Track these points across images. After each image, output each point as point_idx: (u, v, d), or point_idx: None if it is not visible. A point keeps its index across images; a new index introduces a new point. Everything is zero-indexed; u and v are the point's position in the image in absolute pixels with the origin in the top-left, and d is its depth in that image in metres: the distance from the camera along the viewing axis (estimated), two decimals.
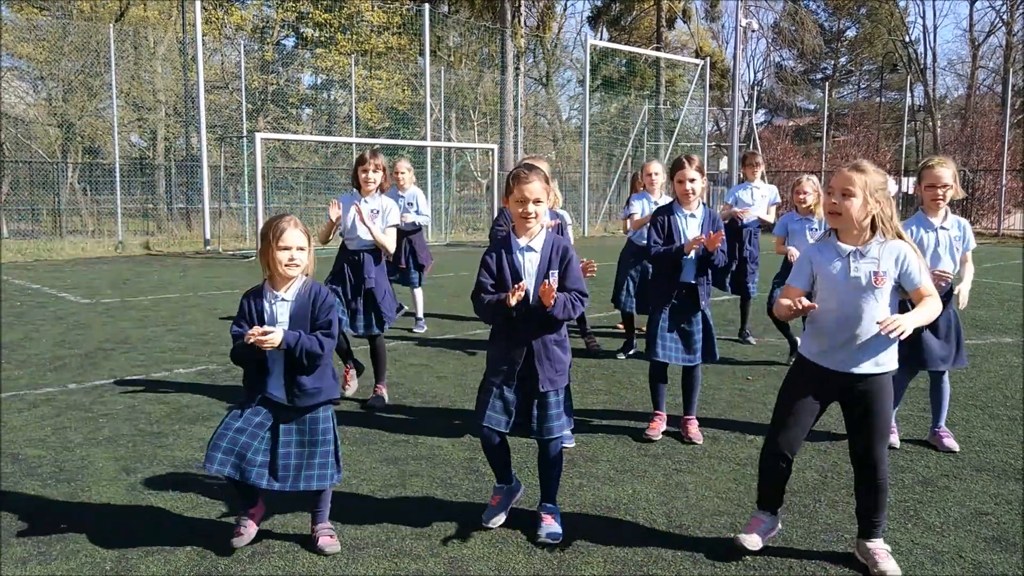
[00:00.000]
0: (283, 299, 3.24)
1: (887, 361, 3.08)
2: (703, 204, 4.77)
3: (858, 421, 3.12)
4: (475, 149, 22.43)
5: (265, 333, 3.09)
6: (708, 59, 25.10)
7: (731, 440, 4.73)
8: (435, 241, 18.83)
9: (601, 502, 3.79)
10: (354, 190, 5.35)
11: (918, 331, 4.30)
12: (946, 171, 4.18)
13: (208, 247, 16.89)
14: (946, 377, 4.60)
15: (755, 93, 35.53)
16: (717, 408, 5.38)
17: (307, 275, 3.30)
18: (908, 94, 32.16)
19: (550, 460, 3.47)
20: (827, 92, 33.10)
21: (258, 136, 14.99)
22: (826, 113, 30.61)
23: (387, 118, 24.42)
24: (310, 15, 25.43)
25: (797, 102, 43.53)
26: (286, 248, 3.17)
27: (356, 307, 5.26)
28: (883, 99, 39.61)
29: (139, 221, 19.59)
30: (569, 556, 3.26)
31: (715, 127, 37.68)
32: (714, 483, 4.05)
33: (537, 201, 3.29)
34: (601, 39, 35.03)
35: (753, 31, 26.72)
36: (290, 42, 27.58)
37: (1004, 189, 23.44)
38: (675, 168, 4.66)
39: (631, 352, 6.99)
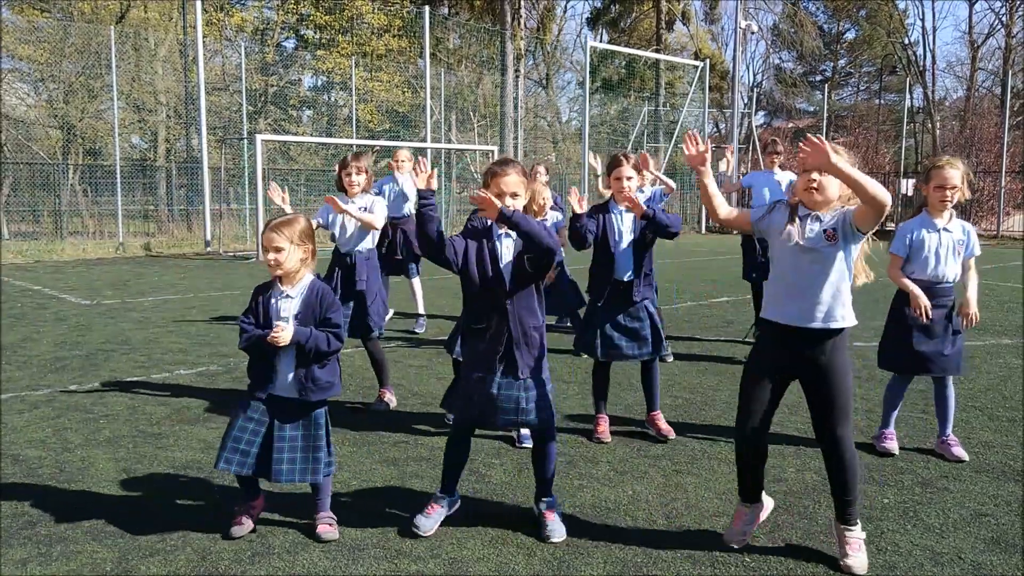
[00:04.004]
0: (288, 295, 3.37)
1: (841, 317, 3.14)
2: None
3: (817, 396, 3.17)
4: (475, 151, 22.44)
5: (276, 331, 3.23)
6: (707, 61, 25.13)
7: (731, 441, 4.73)
8: None
9: (601, 503, 3.80)
10: (341, 193, 5.41)
11: (910, 335, 4.35)
12: (956, 172, 4.15)
13: (208, 248, 16.91)
14: (950, 383, 4.52)
15: (754, 95, 35.56)
16: (716, 409, 5.39)
17: (312, 273, 3.43)
18: (907, 96, 32.18)
19: (545, 451, 3.48)
20: (826, 94, 33.14)
21: (258, 138, 15.01)
22: (825, 115, 30.64)
23: (387, 120, 24.45)
24: (311, 17, 25.47)
25: (796, 104, 43.57)
26: (266, 250, 3.34)
27: (346, 310, 5.24)
28: (882, 101, 39.65)
29: (140, 222, 19.60)
30: (569, 556, 3.27)
31: (715, 129, 37.71)
32: (714, 484, 4.06)
33: (514, 195, 3.32)
34: (600, 41, 35.05)
35: (752, 33, 26.74)
36: (290, 44, 27.63)
37: (1003, 191, 23.46)
38: (612, 165, 4.68)
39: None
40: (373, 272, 5.36)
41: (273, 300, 3.36)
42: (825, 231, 3.09)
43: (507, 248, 3.35)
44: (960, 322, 4.36)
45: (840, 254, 3.10)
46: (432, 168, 3.37)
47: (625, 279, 4.66)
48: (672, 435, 4.75)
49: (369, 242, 5.41)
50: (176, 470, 4.18)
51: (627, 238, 4.66)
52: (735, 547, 3.31)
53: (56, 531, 3.43)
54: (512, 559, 3.25)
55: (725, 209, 3.29)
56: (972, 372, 6.44)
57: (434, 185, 3.34)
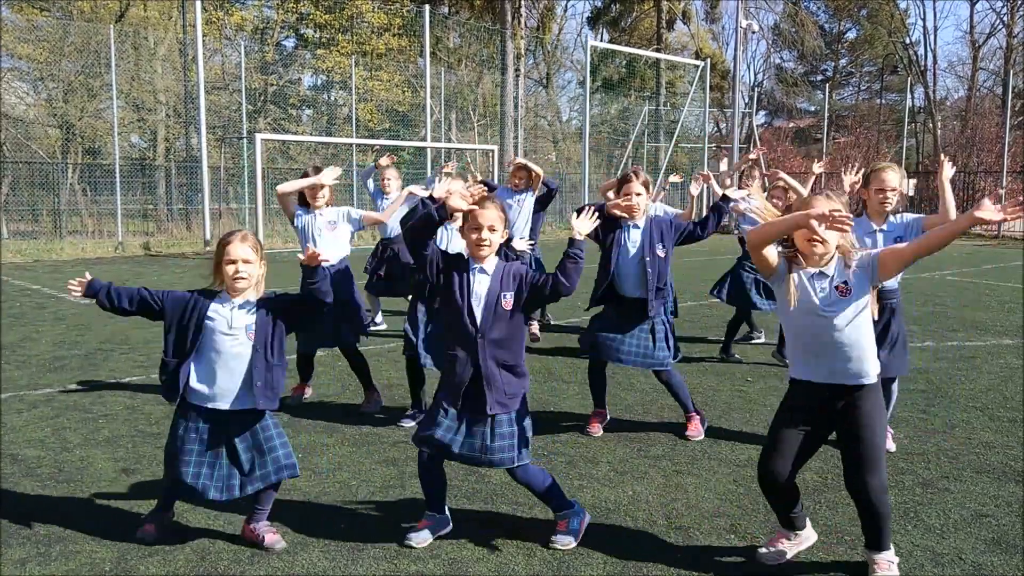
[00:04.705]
0: (241, 307, 3.23)
1: (865, 371, 3.02)
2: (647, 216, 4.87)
3: (848, 447, 3.06)
4: (475, 150, 22.43)
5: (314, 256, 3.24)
6: (708, 60, 25.11)
7: (730, 442, 4.73)
8: None
9: (601, 503, 3.79)
10: (303, 207, 5.42)
11: None
12: (895, 176, 4.28)
13: (208, 248, 16.89)
14: (895, 383, 4.55)
15: (755, 94, 35.56)
16: (716, 410, 5.38)
17: (258, 292, 3.29)
18: (908, 96, 32.17)
19: (525, 479, 3.39)
20: (827, 94, 33.11)
21: (258, 137, 14.99)
22: (826, 115, 30.62)
23: (387, 119, 24.44)
24: (311, 16, 25.47)
25: (797, 104, 43.54)
26: (232, 261, 3.18)
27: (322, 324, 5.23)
28: (883, 101, 39.64)
29: (139, 222, 19.58)
30: (569, 557, 3.26)
31: (715, 128, 37.69)
32: (714, 484, 4.05)
33: (492, 228, 3.28)
34: (601, 40, 35.04)
35: (753, 32, 26.72)
36: (290, 43, 27.62)
37: (1004, 191, 23.45)
38: (623, 182, 4.77)
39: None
40: (347, 282, 5.34)
41: (221, 306, 3.21)
42: (836, 287, 2.97)
43: (480, 283, 3.28)
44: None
45: (857, 305, 2.97)
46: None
47: (629, 296, 4.70)
48: (700, 436, 4.78)
49: (343, 251, 5.42)
50: None
51: (634, 254, 4.69)
52: (768, 564, 3.22)
53: (55, 531, 3.43)
54: (512, 559, 3.24)
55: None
56: (973, 372, 6.44)
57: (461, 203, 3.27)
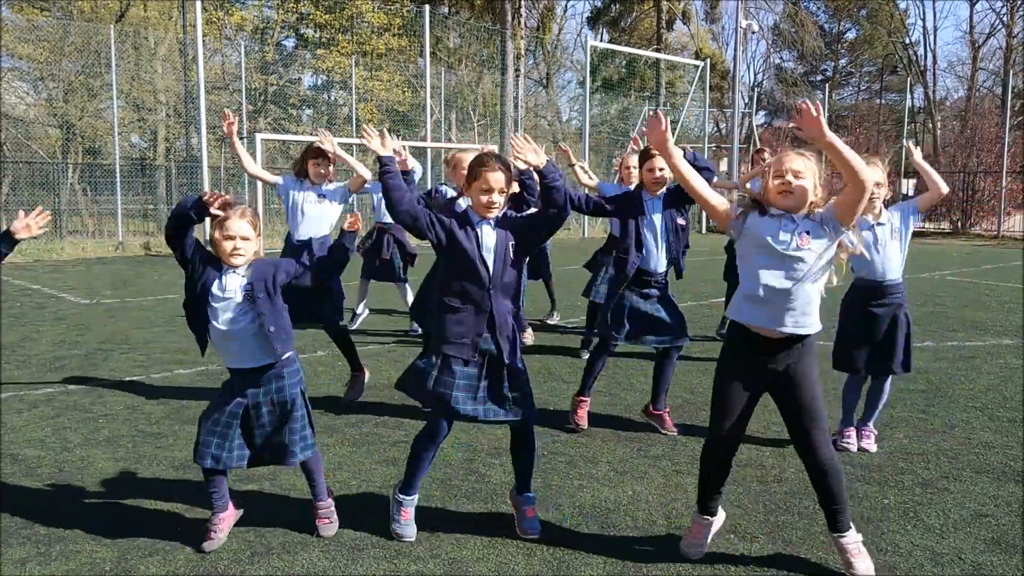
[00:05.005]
0: (235, 272, 3.28)
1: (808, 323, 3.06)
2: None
3: (788, 404, 3.10)
4: (475, 150, 22.40)
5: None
6: (708, 60, 25.12)
7: None
8: None
9: (601, 503, 3.79)
10: (297, 177, 5.41)
11: (855, 337, 4.40)
12: (878, 171, 4.28)
13: (208, 248, 16.87)
14: (888, 380, 4.59)
15: (755, 95, 35.56)
16: None
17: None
18: (908, 96, 32.18)
19: (527, 442, 3.47)
20: (827, 94, 33.09)
21: (258, 137, 15.01)
22: (826, 115, 30.50)
23: (387, 119, 24.43)
24: (311, 16, 25.47)
25: (797, 104, 43.51)
26: (230, 237, 3.23)
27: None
28: (883, 101, 39.65)
29: (139, 222, 19.58)
30: (569, 557, 3.26)
31: (715, 129, 37.71)
32: None
33: (501, 191, 3.34)
34: (601, 40, 35.04)
35: (753, 33, 26.73)
36: (290, 43, 27.62)
37: (1004, 191, 23.44)
38: (645, 157, 4.79)
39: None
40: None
41: (219, 277, 3.26)
42: (799, 235, 3.00)
43: (488, 235, 3.35)
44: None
45: (815, 256, 3.00)
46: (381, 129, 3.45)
47: (652, 269, 4.73)
48: (674, 432, 4.81)
49: (325, 228, 5.42)
50: (175, 470, 4.17)
51: (659, 229, 4.73)
52: (693, 559, 3.24)
53: (55, 531, 3.43)
54: (512, 559, 3.24)
55: (707, 191, 3.17)
56: (972, 372, 6.44)
57: (389, 147, 3.41)
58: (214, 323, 3.25)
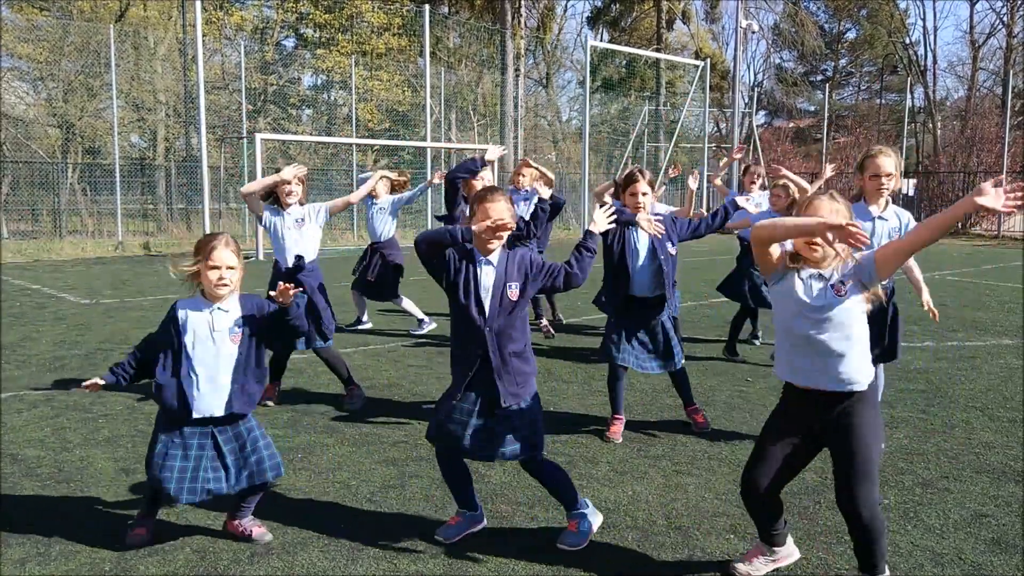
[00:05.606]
0: (222, 309, 3.22)
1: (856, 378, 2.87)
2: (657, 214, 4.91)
3: (839, 458, 2.93)
4: (475, 150, 22.43)
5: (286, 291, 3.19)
6: (708, 60, 25.11)
7: (730, 442, 4.73)
8: None
9: (601, 503, 3.79)
10: (273, 205, 5.41)
11: None
12: (890, 160, 4.18)
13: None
14: (880, 369, 4.49)
15: (755, 94, 35.57)
16: (716, 409, 5.38)
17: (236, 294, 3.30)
18: (908, 96, 32.17)
19: (539, 472, 3.40)
20: (827, 94, 33.11)
21: (258, 137, 15.00)
22: (826, 115, 30.61)
23: (387, 119, 24.44)
24: (310, 16, 25.46)
25: (797, 104, 43.56)
26: (216, 267, 3.16)
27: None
28: (883, 101, 39.67)
29: (139, 221, 19.59)
30: (569, 557, 3.26)
31: (715, 128, 37.71)
32: (713, 484, 4.05)
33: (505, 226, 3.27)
34: (601, 40, 35.05)
35: (753, 32, 26.74)
36: (290, 43, 27.61)
37: (1006, 177, 23.41)
38: (629, 181, 4.75)
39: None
40: (314, 283, 5.31)
41: (206, 312, 3.20)
42: (833, 286, 2.85)
43: (487, 274, 3.27)
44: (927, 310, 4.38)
45: (852, 306, 2.85)
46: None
47: (640, 295, 4.73)
48: (706, 427, 4.93)
49: (311, 251, 5.40)
50: None
51: (644, 254, 4.71)
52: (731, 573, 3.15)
53: (55, 531, 3.42)
54: (512, 559, 3.24)
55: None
56: (972, 372, 6.44)
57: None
58: (194, 363, 3.16)
